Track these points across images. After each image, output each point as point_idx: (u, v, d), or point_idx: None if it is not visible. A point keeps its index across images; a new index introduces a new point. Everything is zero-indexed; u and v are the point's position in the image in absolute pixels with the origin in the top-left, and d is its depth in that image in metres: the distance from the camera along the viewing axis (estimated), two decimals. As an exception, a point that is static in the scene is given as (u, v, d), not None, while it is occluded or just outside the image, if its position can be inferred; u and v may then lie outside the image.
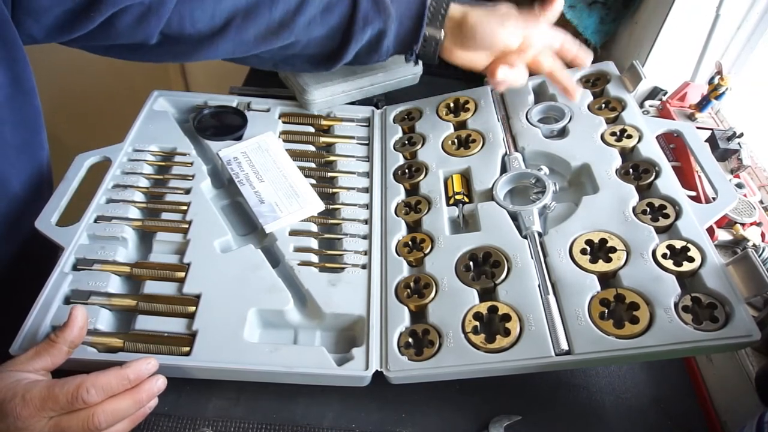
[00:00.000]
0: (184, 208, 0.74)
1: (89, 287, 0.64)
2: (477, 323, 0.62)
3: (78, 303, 0.63)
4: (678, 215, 0.65)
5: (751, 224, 0.70)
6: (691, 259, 0.60)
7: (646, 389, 0.66)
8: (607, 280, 0.62)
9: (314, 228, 0.74)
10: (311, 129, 0.88)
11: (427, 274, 0.67)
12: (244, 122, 0.86)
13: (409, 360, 0.61)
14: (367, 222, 0.76)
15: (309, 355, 0.61)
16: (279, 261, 0.72)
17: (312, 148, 0.85)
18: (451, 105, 0.89)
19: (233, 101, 0.89)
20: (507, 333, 0.59)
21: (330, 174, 0.82)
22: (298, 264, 0.69)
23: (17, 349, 0.59)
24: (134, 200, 0.74)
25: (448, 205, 0.75)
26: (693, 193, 0.72)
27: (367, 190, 0.80)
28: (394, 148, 0.86)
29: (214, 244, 0.70)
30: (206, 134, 0.84)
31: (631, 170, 0.71)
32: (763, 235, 0.69)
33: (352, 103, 0.92)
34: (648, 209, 0.67)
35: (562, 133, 0.80)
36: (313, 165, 0.83)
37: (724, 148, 0.77)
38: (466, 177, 0.78)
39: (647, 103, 0.90)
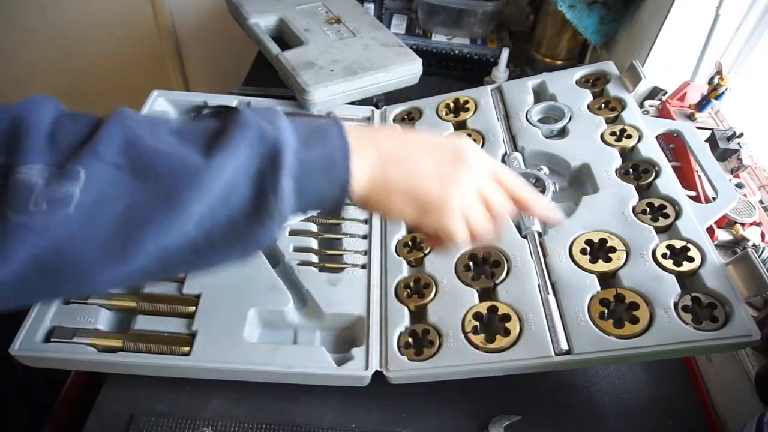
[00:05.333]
0: (184, 208, 0.74)
1: (89, 287, 0.64)
2: (477, 323, 0.61)
3: (78, 303, 0.63)
4: (678, 215, 0.65)
5: (751, 224, 0.70)
6: (690, 259, 0.60)
7: (646, 389, 0.66)
8: (606, 280, 0.62)
9: (314, 228, 0.74)
10: (311, 129, 0.88)
11: (427, 274, 0.67)
12: (244, 122, 0.86)
13: (409, 360, 0.61)
14: (367, 222, 0.75)
15: (309, 355, 0.61)
16: (279, 261, 0.72)
17: (312, 148, 0.85)
18: (451, 105, 0.89)
19: (233, 101, 0.89)
20: (507, 333, 0.59)
21: (330, 174, 0.81)
22: (298, 264, 0.69)
23: (17, 349, 0.59)
24: (134, 200, 0.74)
25: (448, 205, 0.75)
26: (693, 193, 0.71)
27: (367, 190, 0.80)
28: (394, 148, 0.86)
29: (214, 244, 0.70)
30: (206, 134, 0.84)
31: (630, 170, 0.71)
32: (763, 235, 0.69)
33: (352, 103, 0.92)
34: (648, 209, 0.67)
35: (562, 133, 0.80)
36: (313, 165, 0.82)
37: (724, 148, 0.77)
38: (466, 177, 0.78)
39: (647, 103, 0.90)
